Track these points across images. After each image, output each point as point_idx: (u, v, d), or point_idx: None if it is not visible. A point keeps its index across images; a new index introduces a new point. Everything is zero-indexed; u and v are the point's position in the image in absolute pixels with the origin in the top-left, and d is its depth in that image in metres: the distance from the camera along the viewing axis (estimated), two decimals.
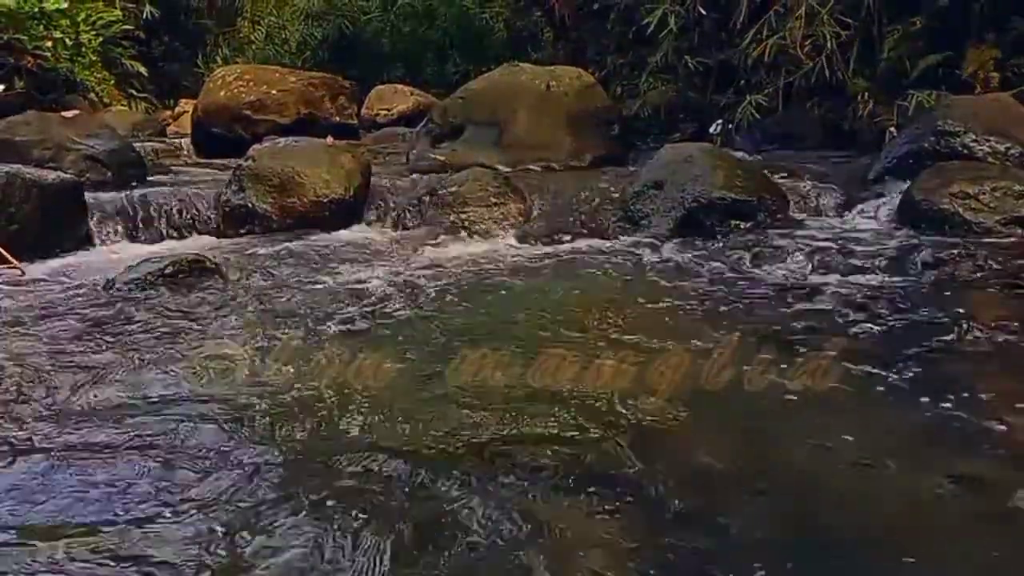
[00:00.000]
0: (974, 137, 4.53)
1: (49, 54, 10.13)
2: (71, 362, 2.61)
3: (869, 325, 2.84)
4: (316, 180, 4.83)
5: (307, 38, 11.95)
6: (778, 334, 2.76)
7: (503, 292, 3.50)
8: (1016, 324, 2.75)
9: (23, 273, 3.87)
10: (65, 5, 10.31)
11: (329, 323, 3.00)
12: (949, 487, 1.77)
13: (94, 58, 11.10)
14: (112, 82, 11.65)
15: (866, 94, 6.02)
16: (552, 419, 2.12)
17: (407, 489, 1.78)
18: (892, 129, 5.65)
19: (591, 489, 1.77)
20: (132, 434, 2.07)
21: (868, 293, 3.22)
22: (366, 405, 2.23)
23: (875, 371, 2.40)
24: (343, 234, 4.67)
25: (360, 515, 1.69)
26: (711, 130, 7.07)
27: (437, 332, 2.90)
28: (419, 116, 7.93)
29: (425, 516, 1.68)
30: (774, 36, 6.36)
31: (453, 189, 4.89)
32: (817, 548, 1.57)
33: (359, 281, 3.61)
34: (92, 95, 10.85)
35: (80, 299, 3.40)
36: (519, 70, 6.27)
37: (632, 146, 6.63)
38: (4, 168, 4.29)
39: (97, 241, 4.60)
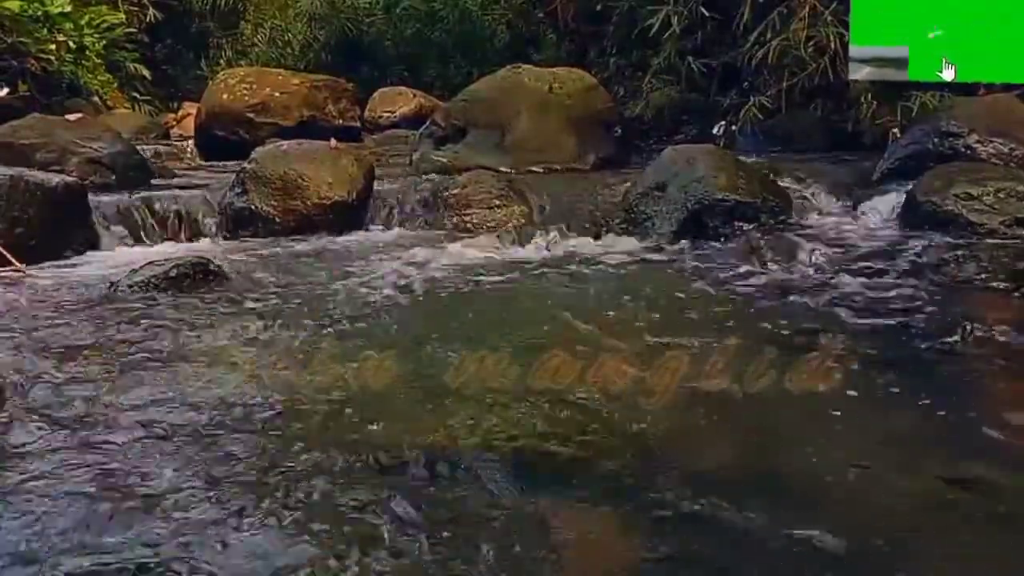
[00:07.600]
0: (977, 138, 4.53)
1: (53, 57, 10.14)
2: (74, 365, 2.61)
3: (872, 326, 2.84)
4: (319, 183, 4.84)
5: (310, 41, 11.96)
6: (780, 335, 2.76)
7: (505, 294, 3.51)
8: (1019, 325, 2.75)
9: (25, 273, 3.87)
10: (69, 9, 10.33)
11: (331, 325, 3.00)
12: (950, 489, 1.77)
13: (97, 61, 11.13)
14: (115, 85, 11.68)
15: (869, 95, 6.01)
16: (553, 419, 2.12)
17: (406, 488, 1.78)
18: (895, 130, 5.65)
19: (591, 490, 1.77)
20: (133, 436, 2.08)
21: (871, 294, 3.22)
22: (367, 406, 2.23)
23: (878, 372, 2.40)
24: (346, 236, 4.67)
25: (358, 514, 1.69)
26: (714, 132, 7.07)
27: (439, 333, 2.90)
28: (422, 118, 7.92)
29: (424, 515, 1.68)
30: (777, 37, 6.35)
31: (456, 191, 4.90)
32: (817, 548, 1.57)
33: (361, 283, 3.62)
34: (95, 98, 10.87)
35: (84, 302, 3.40)
36: (522, 72, 6.27)
37: (635, 148, 6.63)
38: (8, 171, 4.31)
39: (101, 244, 4.61)
